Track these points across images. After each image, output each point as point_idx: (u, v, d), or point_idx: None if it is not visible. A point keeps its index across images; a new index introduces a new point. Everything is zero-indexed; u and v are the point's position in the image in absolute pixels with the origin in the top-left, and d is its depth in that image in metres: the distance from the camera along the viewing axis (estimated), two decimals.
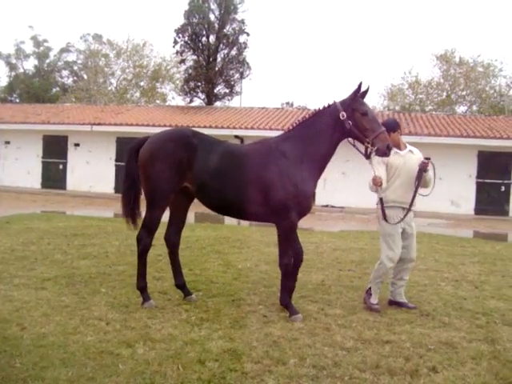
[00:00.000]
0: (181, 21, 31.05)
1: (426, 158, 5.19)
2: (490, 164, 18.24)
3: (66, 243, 8.32)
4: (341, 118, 4.81)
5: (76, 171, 21.80)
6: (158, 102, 36.80)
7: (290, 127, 5.14)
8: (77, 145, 21.92)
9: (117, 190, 20.21)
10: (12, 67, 45.41)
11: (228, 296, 5.48)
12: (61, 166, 22.10)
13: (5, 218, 11.18)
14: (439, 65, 33.80)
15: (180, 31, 30.83)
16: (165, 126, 18.30)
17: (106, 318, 4.59)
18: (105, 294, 5.37)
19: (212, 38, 31.64)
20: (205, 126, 18.95)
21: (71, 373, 3.42)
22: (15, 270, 6.30)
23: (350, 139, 4.94)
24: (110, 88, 38.45)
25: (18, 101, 42.35)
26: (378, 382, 3.50)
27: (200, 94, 32.06)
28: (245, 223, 12.74)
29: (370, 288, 5.36)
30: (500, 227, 14.99)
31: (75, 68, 44.40)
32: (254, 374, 3.51)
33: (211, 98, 31.72)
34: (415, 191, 5.27)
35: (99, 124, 20.98)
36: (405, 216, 5.21)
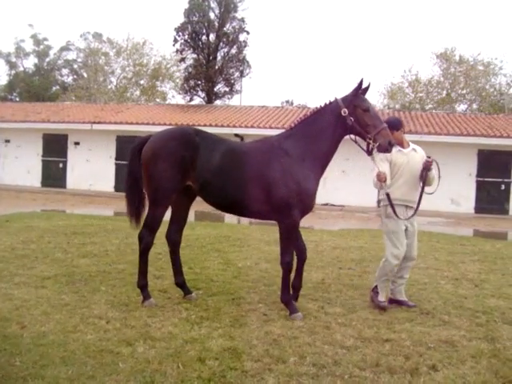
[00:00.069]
0: (181, 19, 31.11)
1: (427, 157, 5.22)
2: (490, 162, 18.24)
3: (66, 242, 8.32)
4: (342, 114, 4.81)
5: (76, 170, 21.80)
6: (158, 100, 36.80)
7: (292, 125, 5.14)
8: (77, 143, 21.91)
9: (117, 188, 20.22)
10: (12, 66, 45.43)
11: (228, 294, 5.48)
12: (61, 165, 22.10)
13: (5, 217, 11.18)
14: (439, 63, 33.82)
15: (180, 30, 30.84)
16: (165, 124, 18.29)
17: (106, 316, 4.59)
18: (105, 293, 5.37)
19: (212, 37, 31.67)
20: (205, 125, 18.95)
21: (71, 371, 3.42)
22: (15, 268, 6.30)
23: (351, 136, 4.94)
24: (109, 86, 38.46)
25: (18, 99, 42.37)
26: (377, 381, 3.50)
27: (200, 93, 32.10)
28: (245, 222, 12.75)
29: (375, 286, 5.36)
30: (500, 226, 14.99)
31: (75, 66, 44.43)
32: (254, 373, 3.51)
33: (211, 97, 31.74)
34: (421, 191, 5.29)
35: (99, 122, 20.98)
36: (414, 214, 5.24)
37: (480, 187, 18.43)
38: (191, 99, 32.09)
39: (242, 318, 4.67)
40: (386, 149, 4.74)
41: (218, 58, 31.81)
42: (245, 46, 31.83)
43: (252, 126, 19.29)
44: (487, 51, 34.42)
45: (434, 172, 5.28)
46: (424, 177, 5.23)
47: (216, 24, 31.34)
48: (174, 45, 31.19)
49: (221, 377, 3.43)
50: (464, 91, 33.19)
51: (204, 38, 31.60)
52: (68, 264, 6.68)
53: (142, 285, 5.09)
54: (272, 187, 4.78)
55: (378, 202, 5.62)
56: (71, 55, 45.12)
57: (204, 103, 30.36)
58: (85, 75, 39.59)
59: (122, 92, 37.15)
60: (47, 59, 45.34)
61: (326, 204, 18.13)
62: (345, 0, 77.34)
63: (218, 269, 6.77)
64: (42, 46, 44.72)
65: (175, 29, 30.79)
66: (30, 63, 46.52)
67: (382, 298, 5.26)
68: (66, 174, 22.01)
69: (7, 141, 22.78)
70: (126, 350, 3.80)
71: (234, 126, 19.47)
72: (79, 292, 5.36)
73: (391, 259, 5.19)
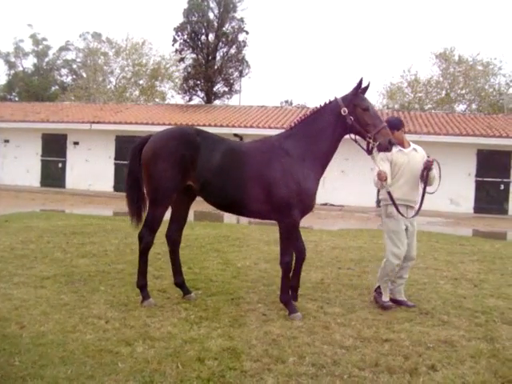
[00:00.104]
0: (180, 19, 31.14)
1: (428, 157, 5.24)
2: (489, 162, 18.26)
3: (65, 241, 8.32)
4: (342, 113, 4.82)
5: (75, 170, 21.79)
6: (157, 100, 36.79)
7: (292, 124, 5.14)
8: (76, 143, 21.90)
9: (116, 188, 20.23)
10: (11, 66, 45.39)
11: (227, 294, 5.48)
12: (60, 165, 22.09)
13: (4, 217, 11.17)
14: (438, 63, 33.84)
15: (179, 29, 30.87)
16: (164, 124, 18.28)
17: (106, 316, 4.59)
18: (104, 293, 5.36)
19: (211, 37, 31.69)
20: (204, 125, 18.95)
21: (70, 371, 3.42)
22: (14, 268, 6.29)
23: (351, 135, 4.94)
24: (109, 86, 38.43)
25: (17, 99, 42.35)
26: (377, 381, 3.50)
27: (199, 93, 32.13)
28: (244, 221, 12.75)
29: (378, 287, 5.37)
30: (499, 226, 14.99)
31: (74, 66, 44.41)
32: (253, 373, 3.51)
33: (210, 97, 31.77)
34: (423, 191, 5.29)
35: (98, 122, 20.97)
36: (416, 213, 5.24)
37: (479, 187, 18.44)
38: (190, 99, 32.15)
39: (241, 318, 4.66)
40: (386, 148, 4.74)
41: (217, 57, 31.84)
42: (244, 46, 31.88)
43: (251, 126, 19.30)
44: (486, 51, 34.30)
45: (434, 172, 5.29)
46: (425, 177, 5.23)
47: (215, 24, 31.37)
48: (173, 45, 31.24)
49: (220, 377, 3.43)
50: (463, 91, 33.21)
51: (203, 37, 31.62)
52: (67, 264, 6.68)
53: (142, 285, 5.09)
54: (272, 187, 4.78)
55: (378, 201, 5.62)
56: (70, 55, 45.19)
57: (203, 103, 30.38)
58: (84, 75, 39.57)
59: (121, 92, 37.13)
60: (46, 59, 45.32)
61: (326, 204, 18.13)
62: (345, 0, 77.40)
63: (217, 269, 6.76)
64: (41, 46, 44.69)
65: (174, 29, 30.83)
66: (29, 63, 46.63)
67: (385, 298, 5.26)
68: (65, 174, 22.00)
69: (6, 141, 22.76)
70: (125, 350, 3.80)
71: (234, 126, 19.48)
72: (78, 292, 5.36)
73: (392, 259, 5.20)
